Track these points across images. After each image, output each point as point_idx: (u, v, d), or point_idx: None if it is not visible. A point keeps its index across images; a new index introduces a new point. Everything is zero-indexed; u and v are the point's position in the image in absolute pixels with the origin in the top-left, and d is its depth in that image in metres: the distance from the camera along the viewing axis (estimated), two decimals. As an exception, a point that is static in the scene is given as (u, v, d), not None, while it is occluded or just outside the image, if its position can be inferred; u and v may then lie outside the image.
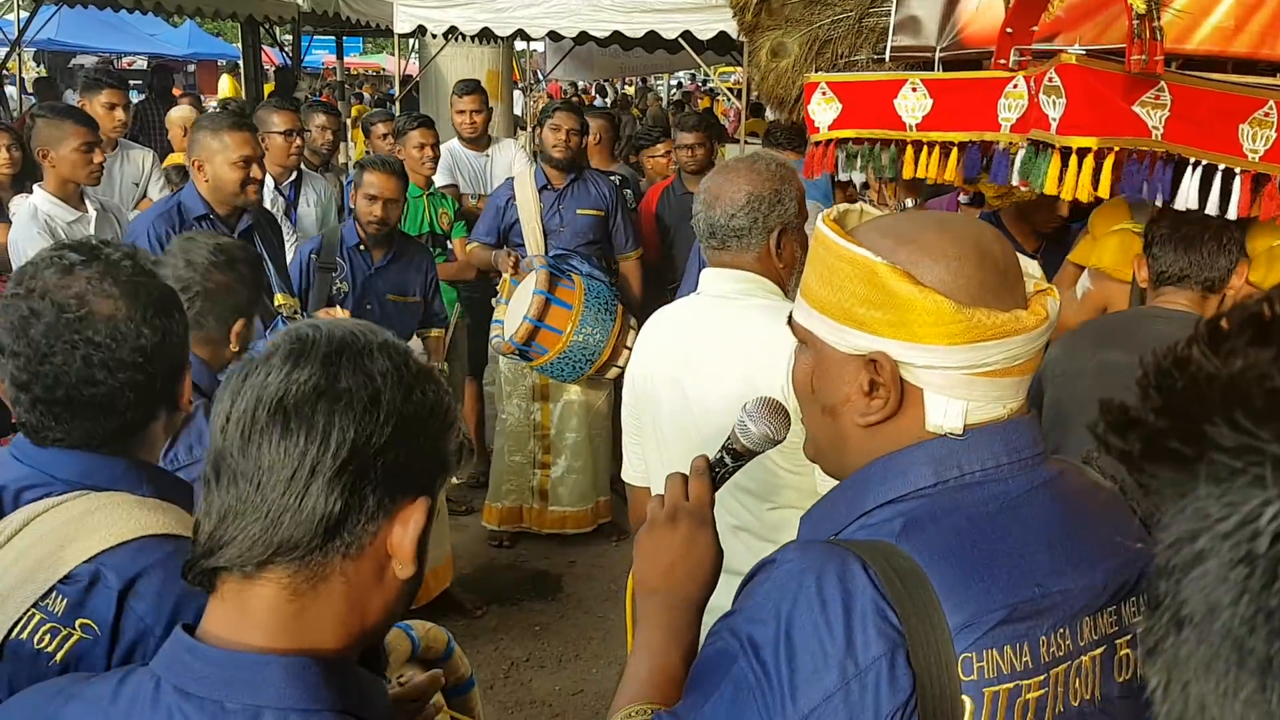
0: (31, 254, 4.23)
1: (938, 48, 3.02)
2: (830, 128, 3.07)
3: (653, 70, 17.60)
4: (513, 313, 4.79)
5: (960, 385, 1.17)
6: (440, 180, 5.82)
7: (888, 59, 3.14)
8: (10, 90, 12.91)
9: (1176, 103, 2.36)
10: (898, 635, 1.06)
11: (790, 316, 1.32)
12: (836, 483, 1.30)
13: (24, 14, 11.04)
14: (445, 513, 4.68)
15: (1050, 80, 2.41)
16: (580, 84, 19.71)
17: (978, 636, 1.08)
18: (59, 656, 1.32)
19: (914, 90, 2.89)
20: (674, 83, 23.75)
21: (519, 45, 12.32)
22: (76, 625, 1.34)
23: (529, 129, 10.50)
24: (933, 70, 3.00)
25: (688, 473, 1.45)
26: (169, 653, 1.02)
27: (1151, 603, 0.49)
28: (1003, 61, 2.63)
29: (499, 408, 5.30)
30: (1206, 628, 0.44)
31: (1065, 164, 2.39)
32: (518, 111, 12.54)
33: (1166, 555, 0.48)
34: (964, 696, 1.07)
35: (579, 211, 5.21)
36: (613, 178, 5.64)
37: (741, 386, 2.15)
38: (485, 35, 8.73)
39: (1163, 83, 2.34)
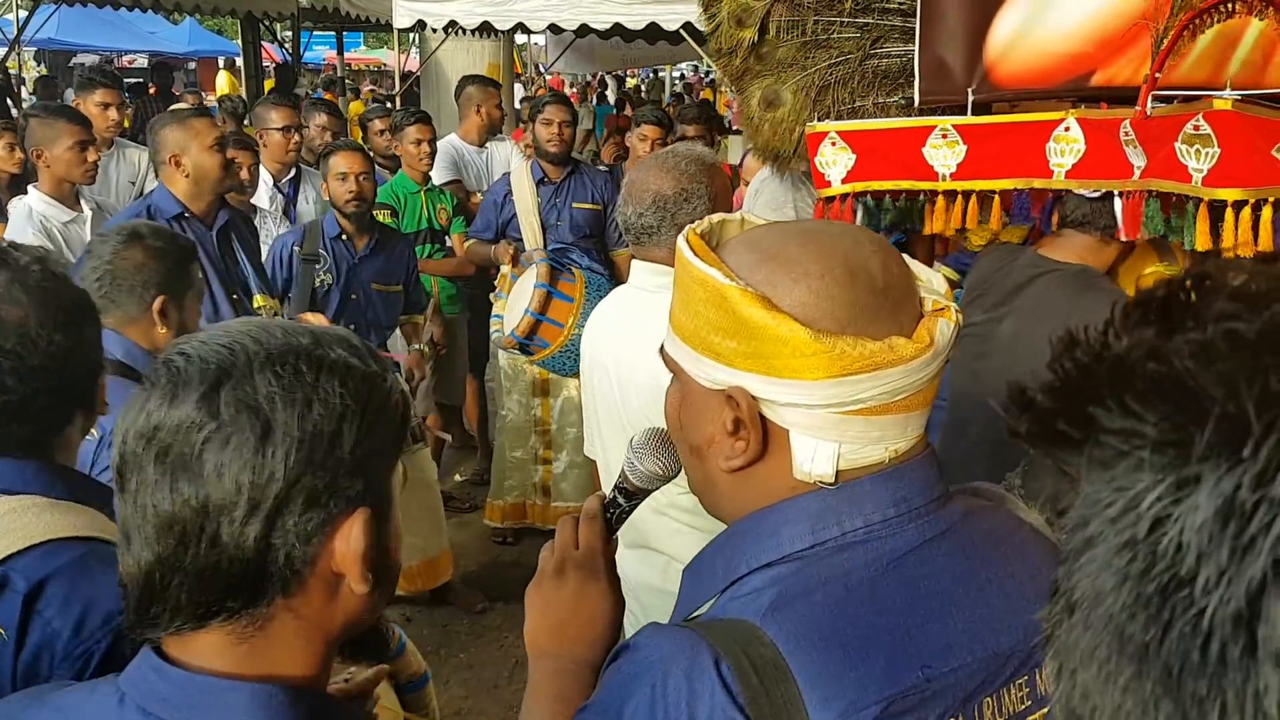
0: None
1: (970, 90, 2.83)
2: (845, 180, 2.89)
3: (655, 62, 17.57)
4: (513, 307, 4.75)
5: (829, 425, 1.01)
6: (445, 176, 5.80)
7: (916, 104, 2.93)
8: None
9: None
10: None
11: (661, 345, 1.17)
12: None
13: (23, 13, 11.02)
14: (440, 504, 4.67)
15: (1197, 128, 2.26)
16: (584, 76, 19.67)
17: None
18: None
19: (944, 136, 2.76)
20: (676, 74, 23.69)
21: (520, 39, 12.28)
22: None
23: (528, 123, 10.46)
24: (964, 114, 2.82)
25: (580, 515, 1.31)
26: (135, 670, 0.98)
27: (1050, 589, 0.48)
28: (1141, 110, 2.45)
29: (499, 404, 5.27)
30: (1091, 613, 0.44)
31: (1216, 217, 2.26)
32: (519, 105, 12.49)
33: (1065, 541, 0.47)
34: None
35: (576, 205, 5.18)
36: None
37: (650, 381, 2.17)
38: (485, 29, 8.69)
39: None
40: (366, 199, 4.53)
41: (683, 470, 1.24)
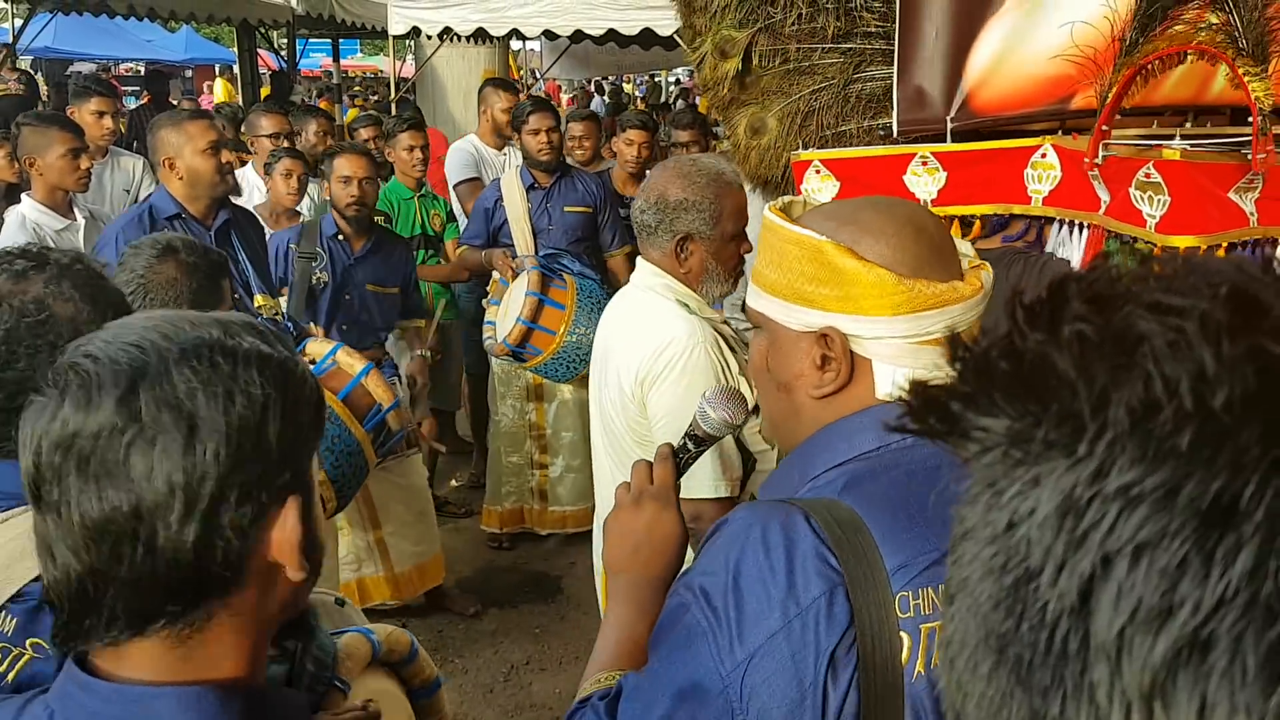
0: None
1: (948, 119, 2.87)
2: None
3: (649, 67, 17.59)
4: (505, 315, 4.76)
5: (905, 354, 1.24)
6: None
7: (895, 133, 2.96)
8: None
9: (1268, 183, 2.26)
10: (837, 576, 1.11)
11: (744, 304, 1.40)
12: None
13: (18, 21, 11.02)
14: (433, 509, 4.65)
15: (1148, 176, 2.30)
16: (578, 81, 19.67)
17: (913, 576, 1.13)
18: (10, 677, 1.28)
19: (924, 164, 2.79)
20: (672, 79, 23.69)
21: (515, 45, 12.29)
22: (27, 645, 1.29)
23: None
24: (943, 142, 2.87)
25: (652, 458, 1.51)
26: (61, 685, 0.96)
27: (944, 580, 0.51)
28: (1095, 160, 2.48)
29: (492, 409, 5.27)
30: (963, 604, 0.46)
31: None
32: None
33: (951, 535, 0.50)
34: (902, 633, 1.12)
35: (567, 209, 5.17)
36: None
37: (614, 378, 2.35)
38: (480, 35, 8.71)
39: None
40: (367, 204, 4.54)
41: (748, 421, 1.55)
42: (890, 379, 1.24)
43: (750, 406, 1.58)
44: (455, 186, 5.88)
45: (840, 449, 1.25)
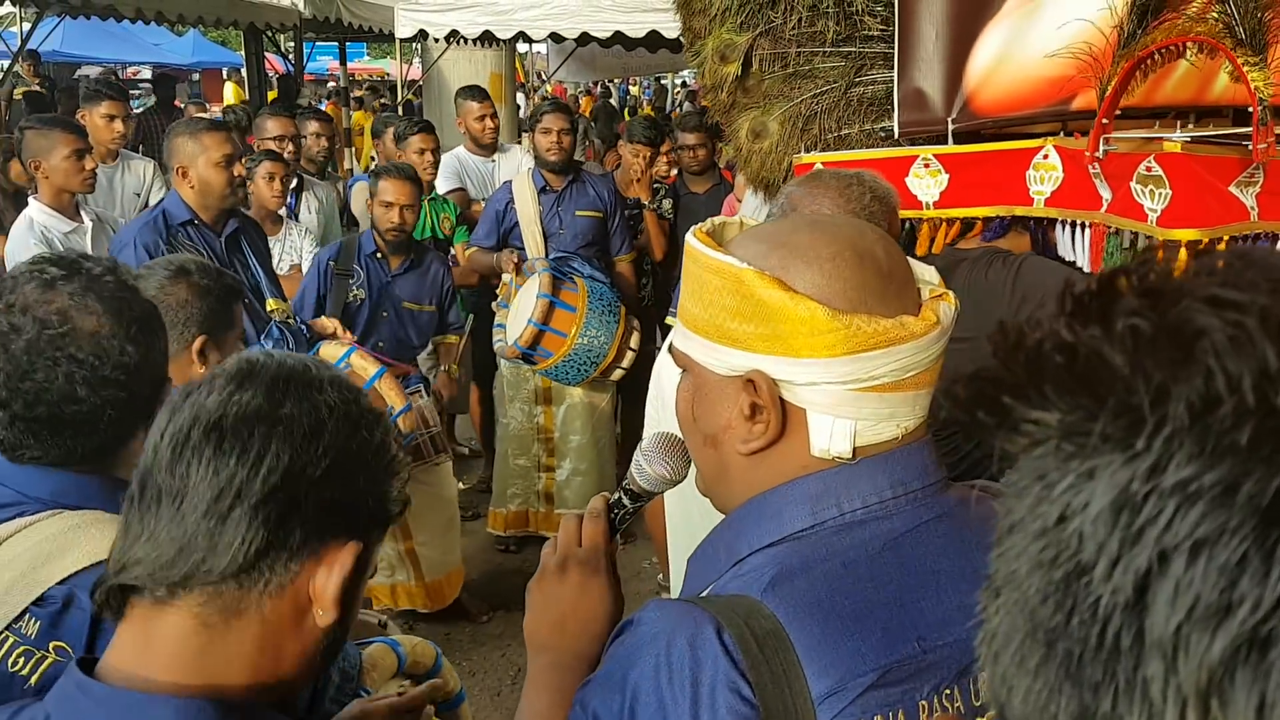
0: (25, 266, 4.16)
1: (949, 120, 2.86)
2: None
3: (656, 70, 17.57)
4: (516, 317, 4.76)
5: (846, 403, 1.05)
6: (447, 185, 5.81)
7: (896, 135, 2.95)
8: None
9: (1269, 178, 2.26)
10: (751, 711, 0.96)
11: (669, 343, 1.21)
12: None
13: (26, 25, 11.06)
14: (458, 521, 4.67)
15: (1149, 169, 2.30)
16: (582, 84, 19.69)
17: (844, 705, 0.97)
18: (34, 680, 1.29)
19: (926, 166, 2.78)
20: (679, 81, 23.70)
21: (521, 48, 12.30)
22: (50, 648, 1.31)
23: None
24: (945, 144, 2.85)
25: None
26: (61, 688, 0.98)
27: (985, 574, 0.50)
28: (1095, 154, 2.47)
29: (500, 412, 5.27)
30: (1010, 598, 0.46)
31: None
32: (522, 115, 12.52)
33: (997, 527, 0.49)
34: None
35: (578, 213, 5.18)
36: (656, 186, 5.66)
37: None
38: (487, 38, 8.71)
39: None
40: (407, 229, 4.56)
41: (689, 475, 1.29)
42: (828, 432, 1.06)
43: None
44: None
45: (769, 527, 1.08)
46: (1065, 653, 0.42)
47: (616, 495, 1.36)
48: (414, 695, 1.47)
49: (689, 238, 1.15)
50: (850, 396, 1.05)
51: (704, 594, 1.11)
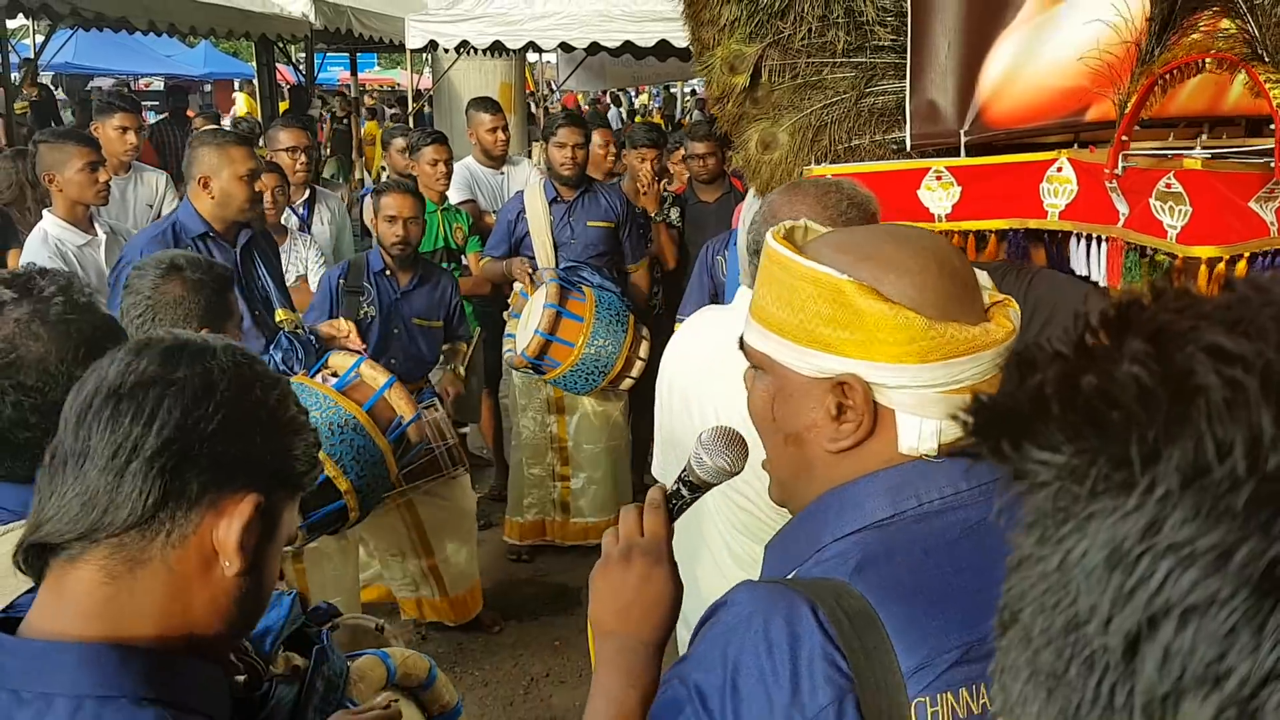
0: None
1: (962, 132, 2.84)
2: None
3: (665, 79, 17.61)
4: (524, 327, 4.78)
5: (933, 404, 1.12)
6: (458, 196, 5.82)
7: (909, 148, 2.92)
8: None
9: None
10: (846, 682, 1.01)
11: (741, 340, 1.27)
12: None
13: (39, 37, 11.13)
14: (475, 534, 4.67)
15: (1169, 186, 2.28)
16: (591, 93, 19.73)
17: (931, 679, 1.03)
18: None
19: (939, 179, 2.77)
20: (687, 90, 23.72)
21: (531, 57, 12.34)
22: None
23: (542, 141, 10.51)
24: (956, 156, 2.83)
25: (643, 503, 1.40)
26: None
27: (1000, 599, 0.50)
28: (1115, 171, 2.46)
29: (513, 421, 5.28)
30: (1016, 634, 0.46)
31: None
32: (532, 124, 12.54)
33: (1007, 560, 0.49)
34: None
35: (589, 224, 5.19)
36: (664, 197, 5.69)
37: (743, 422, 2.12)
38: (497, 48, 8.74)
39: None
40: (411, 243, 4.57)
41: (746, 467, 1.39)
42: (916, 432, 1.13)
43: (749, 451, 1.43)
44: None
45: (852, 516, 1.15)
46: (1065, 699, 0.42)
47: (674, 486, 1.42)
48: (369, 712, 1.44)
49: (769, 241, 1.20)
50: (937, 398, 1.12)
51: (788, 578, 1.16)
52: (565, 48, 9.22)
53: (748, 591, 1.11)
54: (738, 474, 1.41)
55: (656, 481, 2.44)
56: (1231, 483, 0.38)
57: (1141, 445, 0.40)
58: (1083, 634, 0.41)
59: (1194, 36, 2.32)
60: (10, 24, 9.99)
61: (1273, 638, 0.36)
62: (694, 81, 22.27)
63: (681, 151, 6.26)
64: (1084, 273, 2.62)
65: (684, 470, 1.42)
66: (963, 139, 2.83)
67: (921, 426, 1.13)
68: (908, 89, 2.89)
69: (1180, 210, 2.26)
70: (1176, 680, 0.38)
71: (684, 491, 1.41)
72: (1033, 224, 2.67)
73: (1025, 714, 0.45)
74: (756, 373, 1.25)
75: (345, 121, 12.92)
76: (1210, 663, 0.37)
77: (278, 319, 3.67)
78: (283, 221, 5.14)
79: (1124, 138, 2.44)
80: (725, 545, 2.20)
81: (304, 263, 5.05)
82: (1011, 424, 0.45)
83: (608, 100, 20.50)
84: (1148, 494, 0.40)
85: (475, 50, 8.78)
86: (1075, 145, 2.71)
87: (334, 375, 3.41)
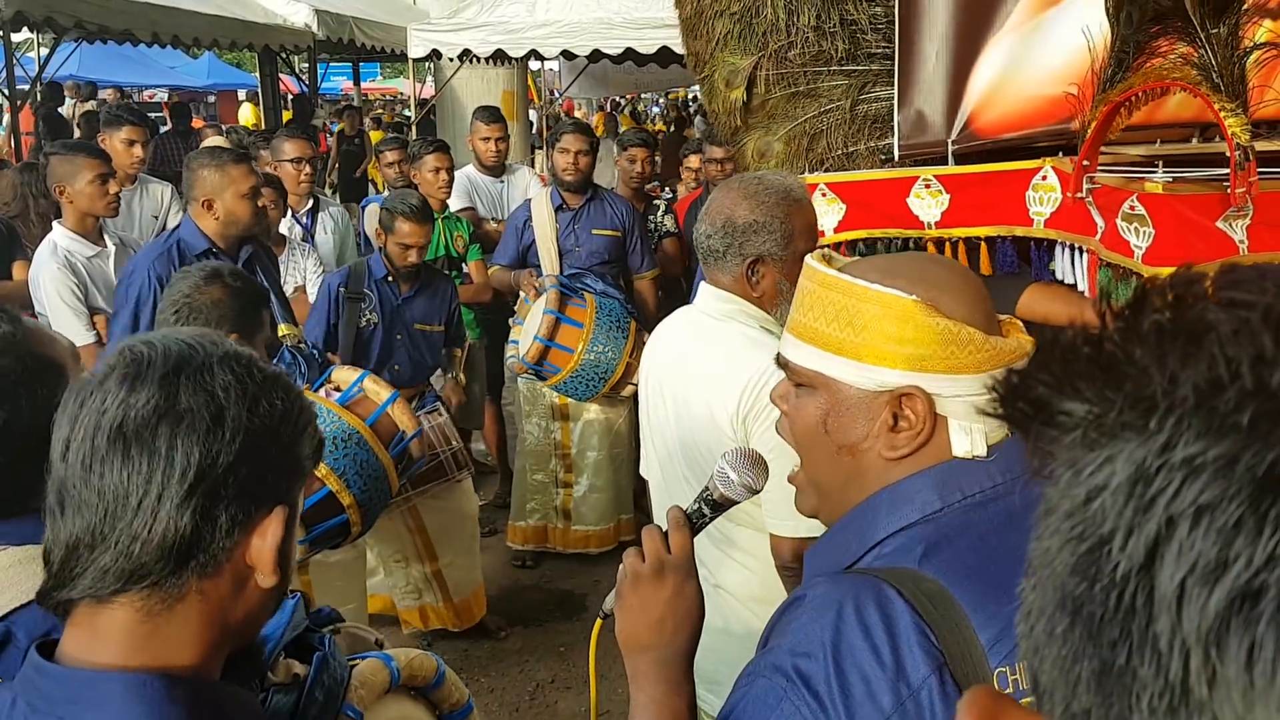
0: (51, 289, 4.18)
1: (949, 141, 2.88)
2: (836, 230, 2.92)
3: (668, 85, 17.63)
4: (525, 333, 4.81)
5: (977, 410, 1.22)
6: (458, 204, 5.85)
7: (896, 157, 2.96)
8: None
9: (1259, 210, 2.24)
10: (940, 655, 1.10)
11: (783, 360, 1.34)
12: None
13: (44, 50, 11.19)
14: (478, 538, 4.70)
15: (1133, 209, 2.32)
16: (597, 100, 19.77)
17: (1009, 650, 1.10)
18: None
19: (927, 187, 2.79)
20: (691, 96, 23.76)
21: (533, 65, 12.39)
22: None
23: (545, 148, 10.53)
24: (945, 164, 2.87)
25: (664, 521, 1.43)
26: (24, 672, 1.03)
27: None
28: (1079, 195, 2.51)
29: (518, 427, 5.31)
30: (1042, 574, 0.50)
31: None
32: (534, 131, 12.59)
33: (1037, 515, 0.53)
34: None
35: (595, 232, 5.22)
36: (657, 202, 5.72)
37: (704, 410, 2.22)
38: (499, 57, 8.78)
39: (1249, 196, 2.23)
40: (419, 266, 4.62)
41: (765, 487, 1.47)
42: (968, 437, 1.23)
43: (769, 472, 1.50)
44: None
45: (904, 512, 1.22)
46: (1088, 616, 0.46)
47: (695, 505, 1.47)
48: None
49: (818, 267, 1.29)
50: (985, 405, 1.18)
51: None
52: (567, 55, 9.26)
53: (830, 581, 1.19)
54: (759, 492, 1.49)
55: (648, 483, 2.51)
56: (1239, 400, 0.43)
57: (1162, 375, 0.45)
58: (1106, 552, 0.45)
59: (1155, 62, 2.33)
60: (15, 37, 10.05)
61: (1272, 524, 0.41)
62: (695, 88, 22.26)
63: (699, 156, 6.31)
64: (1070, 281, 2.65)
65: (705, 489, 1.47)
66: (950, 148, 2.86)
67: (973, 431, 1.23)
68: (896, 100, 2.92)
69: (1144, 232, 2.30)
70: (1190, 570, 0.42)
71: (705, 510, 1.46)
72: (1020, 231, 2.70)
73: (1052, 642, 0.49)
74: (800, 389, 1.32)
75: (358, 141, 12.84)
76: (1220, 549, 0.41)
77: (280, 334, 3.71)
78: (286, 231, 5.18)
79: (1085, 163, 2.48)
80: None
81: (302, 273, 5.07)
82: (1040, 383, 0.50)
83: (609, 108, 20.52)
84: (1166, 416, 0.45)
85: (477, 59, 8.83)
86: (1061, 153, 2.74)
87: (337, 390, 3.44)
